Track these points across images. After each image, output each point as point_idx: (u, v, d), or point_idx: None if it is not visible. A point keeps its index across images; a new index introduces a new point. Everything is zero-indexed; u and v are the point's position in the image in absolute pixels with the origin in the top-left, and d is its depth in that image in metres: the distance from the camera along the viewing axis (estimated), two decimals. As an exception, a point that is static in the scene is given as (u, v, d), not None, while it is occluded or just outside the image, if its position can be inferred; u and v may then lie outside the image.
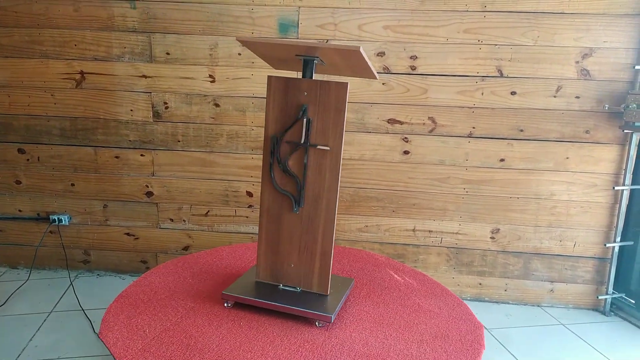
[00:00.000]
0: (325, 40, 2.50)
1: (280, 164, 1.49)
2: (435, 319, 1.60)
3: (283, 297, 1.54)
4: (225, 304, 1.54)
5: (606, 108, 2.47)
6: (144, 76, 2.58)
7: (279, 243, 1.57)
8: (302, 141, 1.48)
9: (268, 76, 1.44)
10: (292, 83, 1.45)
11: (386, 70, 2.52)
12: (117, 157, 2.70)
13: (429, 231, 2.69)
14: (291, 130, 1.48)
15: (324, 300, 1.55)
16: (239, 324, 1.48)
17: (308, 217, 1.57)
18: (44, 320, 2.33)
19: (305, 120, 1.46)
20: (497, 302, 2.75)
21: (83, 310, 2.43)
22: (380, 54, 2.51)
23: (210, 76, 2.57)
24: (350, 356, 1.35)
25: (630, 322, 2.60)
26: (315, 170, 1.53)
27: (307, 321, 1.50)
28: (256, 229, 2.75)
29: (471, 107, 2.54)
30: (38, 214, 2.80)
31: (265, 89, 2.55)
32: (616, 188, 2.56)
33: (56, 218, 2.77)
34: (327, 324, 1.48)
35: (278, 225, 1.55)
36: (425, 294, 1.77)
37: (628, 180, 2.54)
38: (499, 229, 2.66)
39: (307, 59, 1.46)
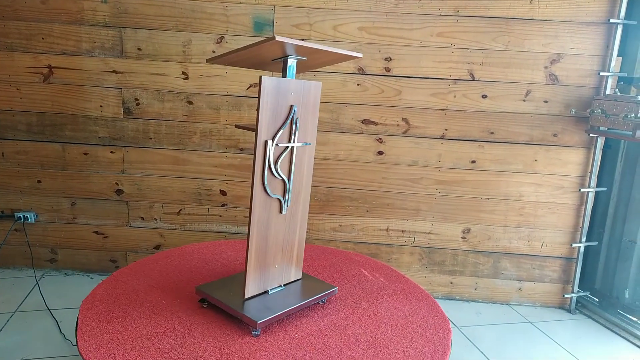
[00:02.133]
0: (301, 40, 2.49)
1: (271, 169, 1.45)
2: (406, 316, 1.62)
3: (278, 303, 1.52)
4: (202, 305, 1.49)
5: (573, 112, 2.55)
6: (115, 72, 2.53)
7: (266, 251, 1.53)
8: (292, 141, 1.47)
9: (261, 77, 1.32)
10: (283, 84, 1.41)
11: (361, 71, 2.54)
12: (86, 153, 2.64)
13: (402, 231, 2.72)
14: (282, 132, 1.45)
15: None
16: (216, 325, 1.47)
17: (291, 214, 1.58)
18: (7, 321, 2.26)
19: (295, 120, 1.46)
20: (467, 301, 2.81)
21: (49, 309, 2.36)
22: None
23: (184, 73, 2.53)
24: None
25: (593, 319, 2.68)
26: (298, 168, 1.55)
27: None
28: (230, 228, 2.73)
29: (444, 110, 2.58)
30: (2, 212, 2.71)
31: (240, 87, 2.54)
32: (582, 190, 2.64)
33: (22, 215, 2.68)
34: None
35: (266, 231, 1.51)
36: (395, 291, 1.79)
37: (593, 183, 2.62)
38: (469, 229, 2.71)
39: (292, 59, 1.44)
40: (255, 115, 1.38)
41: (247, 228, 2.72)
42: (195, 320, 1.48)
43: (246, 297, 1.50)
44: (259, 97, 1.35)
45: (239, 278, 1.64)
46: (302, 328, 1.48)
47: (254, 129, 1.39)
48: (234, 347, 1.36)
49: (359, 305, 1.67)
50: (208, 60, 1.43)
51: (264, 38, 1.31)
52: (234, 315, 1.47)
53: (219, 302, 1.50)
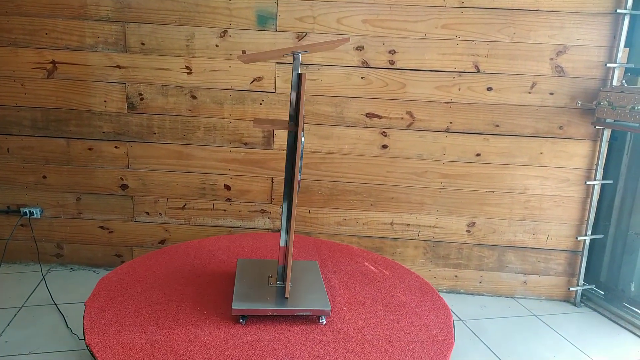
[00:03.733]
0: (304, 34, 2.48)
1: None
2: (411, 310, 1.62)
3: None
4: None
5: (579, 104, 2.53)
6: (118, 66, 2.53)
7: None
8: (303, 129, 1.47)
9: (299, 74, 1.38)
10: (303, 78, 1.44)
11: (365, 65, 2.52)
12: (90, 149, 2.64)
13: (407, 225, 2.72)
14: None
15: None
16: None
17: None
18: (15, 315, 2.28)
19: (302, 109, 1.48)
20: (472, 294, 2.80)
21: (55, 304, 2.38)
22: (359, 48, 2.50)
23: (187, 67, 2.53)
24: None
25: (599, 312, 2.68)
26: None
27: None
28: (234, 222, 2.73)
29: (448, 102, 2.56)
30: (8, 207, 2.72)
31: (244, 82, 2.54)
32: (588, 183, 2.62)
33: (27, 211, 2.70)
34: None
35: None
36: (400, 285, 1.79)
37: (599, 175, 2.60)
38: (474, 223, 2.70)
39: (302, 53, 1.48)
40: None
41: (252, 222, 2.73)
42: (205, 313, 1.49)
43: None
44: (299, 92, 1.37)
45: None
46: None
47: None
48: (248, 338, 1.36)
49: (363, 298, 1.67)
50: (241, 59, 1.41)
51: (340, 39, 1.33)
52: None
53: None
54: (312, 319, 1.50)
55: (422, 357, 1.35)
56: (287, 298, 1.50)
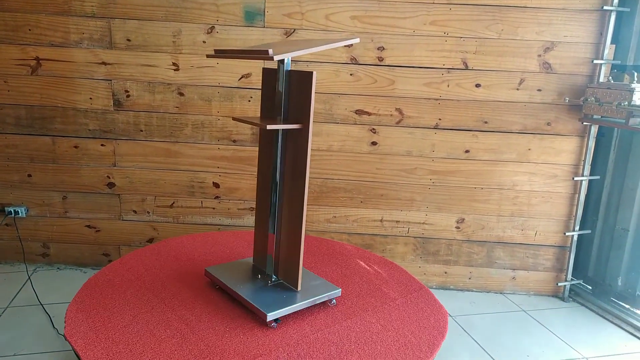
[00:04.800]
0: (292, 30, 2.46)
1: None
2: (400, 305, 1.62)
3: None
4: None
5: (567, 101, 2.54)
6: (104, 63, 2.49)
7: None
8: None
9: (313, 72, 1.39)
10: (313, 77, 1.47)
11: (354, 61, 2.51)
12: (76, 146, 2.60)
13: (397, 221, 2.72)
14: None
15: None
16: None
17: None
18: (-1, 317, 2.24)
19: None
20: (461, 290, 2.81)
21: (42, 304, 2.34)
22: (348, 45, 2.49)
23: (174, 64, 2.50)
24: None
25: (587, 307, 2.70)
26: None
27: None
28: (223, 220, 2.71)
29: (437, 99, 2.56)
30: (-8, 207, 2.68)
31: (231, 78, 2.51)
32: (575, 179, 2.64)
33: (12, 210, 2.65)
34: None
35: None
36: (392, 282, 1.79)
37: (587, 171, 2.62)
38: (464, 219, 2.71)
39: None
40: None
41: (241, 220, 2.71)
42: (200, 305, 1.47)
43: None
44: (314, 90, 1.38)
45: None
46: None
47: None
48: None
49: (354, 296, 1.66)
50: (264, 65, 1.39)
51: (345, 40, 1.32)
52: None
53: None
54: (324, 303, 1.57)
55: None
56: (297, 291, 1.53)
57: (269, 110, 1.58)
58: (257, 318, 1.46)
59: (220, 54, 1.44)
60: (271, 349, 1.33)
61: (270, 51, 1.27)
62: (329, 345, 1.37)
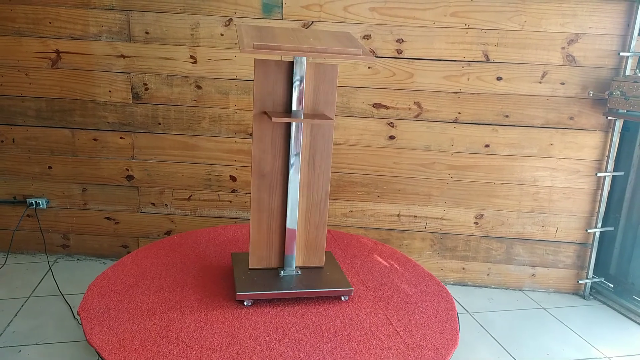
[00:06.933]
0: (311, 22, 2.44)
1: None
2: (417, 302, 1.60)
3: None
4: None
5: (590, 95, 2.48)
6: (123, 56, 2.50)
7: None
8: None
9: (337, 65, 1.37)
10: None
11: (372, 54, 2.48)
12: (95, 139, 2.63)
13: (414, 216, 2.69)
14: None
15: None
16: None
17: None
18: (22, 306, 2.28)
19: None
20: (479, 287, 2.78)
21: (62, 295, 2.38)
22: (367, 37, 2.46)
23: (192, 57, 2.50)
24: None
25: (608, 305, 2.65)
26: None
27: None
28: (240, 214, 2.72)
29: (457, 93, 2.52)
30: (14, 198, 2.72)
31: (249, 71, 2.50)
32: (598, 174, 2.58)
33: (33, 201, 2.69)
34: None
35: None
36: (409, 278, 1.77)
37: (610, 167, 2.56)
38: (482, 215, 2.67)
39: None
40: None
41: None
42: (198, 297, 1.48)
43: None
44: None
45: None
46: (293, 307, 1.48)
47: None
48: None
49: (367, 291, 1.65)
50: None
51: (358, 53, 1.31)
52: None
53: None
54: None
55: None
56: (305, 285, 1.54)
57: (276, 104, 1.52)
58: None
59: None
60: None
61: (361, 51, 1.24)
62: (334, 331, 1.36)
